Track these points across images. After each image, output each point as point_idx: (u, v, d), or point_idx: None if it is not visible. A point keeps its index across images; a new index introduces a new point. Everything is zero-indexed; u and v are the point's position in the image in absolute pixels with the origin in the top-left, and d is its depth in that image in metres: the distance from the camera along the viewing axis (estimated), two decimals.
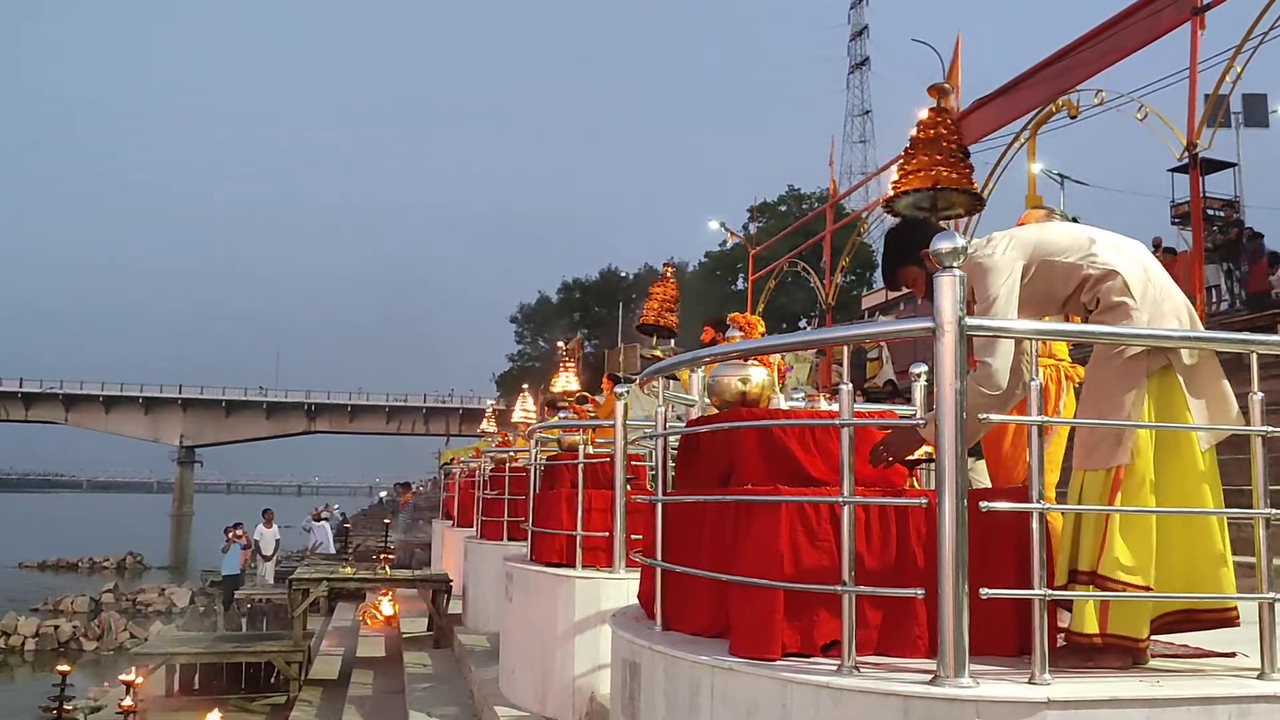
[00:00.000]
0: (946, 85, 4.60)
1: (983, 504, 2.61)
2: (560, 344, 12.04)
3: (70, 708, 6.48)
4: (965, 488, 2.51)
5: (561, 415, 10.11)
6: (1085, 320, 3.05)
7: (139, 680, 6.93)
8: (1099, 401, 2.94)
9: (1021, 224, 4.00)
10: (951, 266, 2.55)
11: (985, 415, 2.72)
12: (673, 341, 11.23)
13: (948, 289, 2.55)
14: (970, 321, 2.59)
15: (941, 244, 2.55)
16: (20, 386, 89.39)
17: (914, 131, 5.53)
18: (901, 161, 5.13)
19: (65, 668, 6.54)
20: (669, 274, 7.19)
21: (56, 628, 21.13)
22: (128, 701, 6.34)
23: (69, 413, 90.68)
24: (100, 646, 20.40)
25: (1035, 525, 2.59)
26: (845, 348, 3.02)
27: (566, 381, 10.71)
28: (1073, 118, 12.44)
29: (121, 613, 23.47)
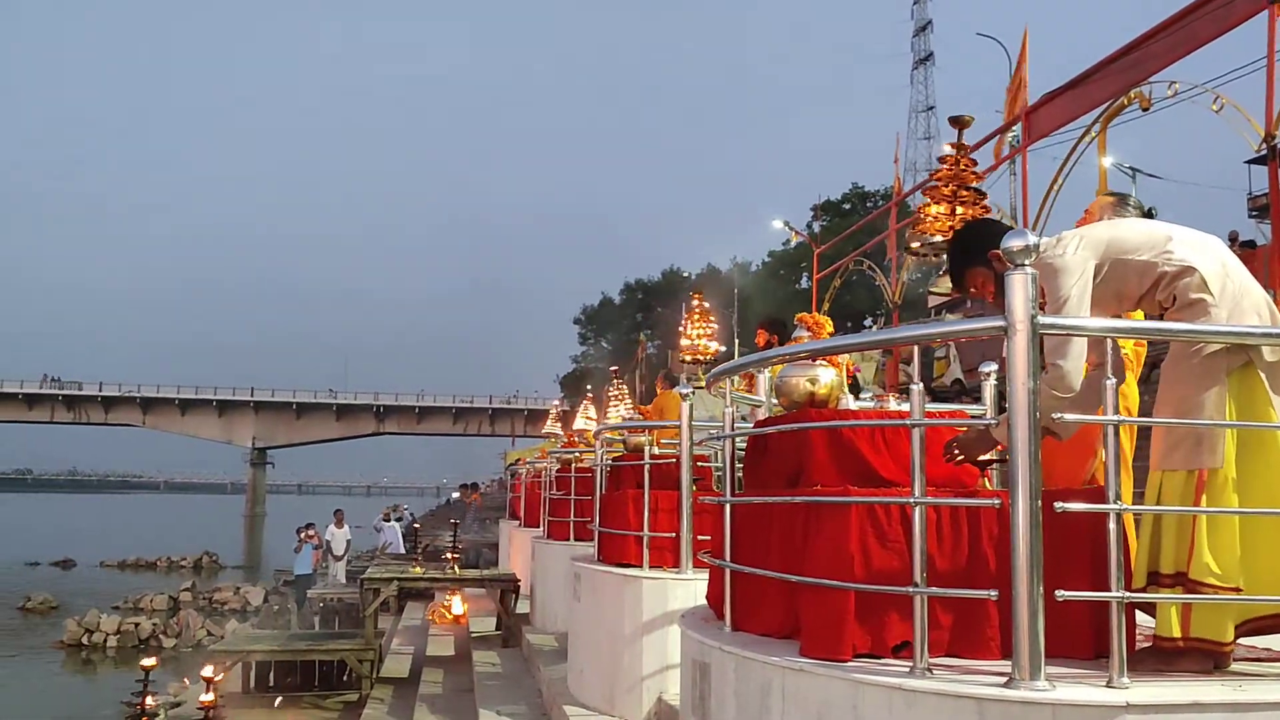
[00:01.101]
0: (966, 117, 4.61)
1: (1057, 504, 2.57)
2: (614, 371, 12.06)
3: (153, 702, 6.64)
4: (1039, 488, 2.48)
5: (625, 416, 10.16)
6: (1161, 319, 2.99)
7: (219, 677, 7.09)
8: (1178, 401, 2.88)
9: (1088, 213, 3.93)
10: (1023, 264, 2.52)
11: (1060, 415, 2.68)
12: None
13: (1019, 287, 2.52)
14: (1043, 320, 2.55)
15: (1012, 242, 2.52)
16: (100, 390, 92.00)
17: (938, 168, 5.60)
18: (922, 205, 5.24)
19: (149, 662, 6.71)
20: (698, 302, 7.24)
21: (137, 625, 21.67)
22: (207, 697, 6.49)
23: (146, 416, 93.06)
24: (179, 643, 20.88)
25: (1112, 526, 2.55)
26: (915, 347, 2.99)
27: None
28: (1145, 110, 12.17)
29: (199, 611, 24.01)
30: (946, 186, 4.85)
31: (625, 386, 10.54)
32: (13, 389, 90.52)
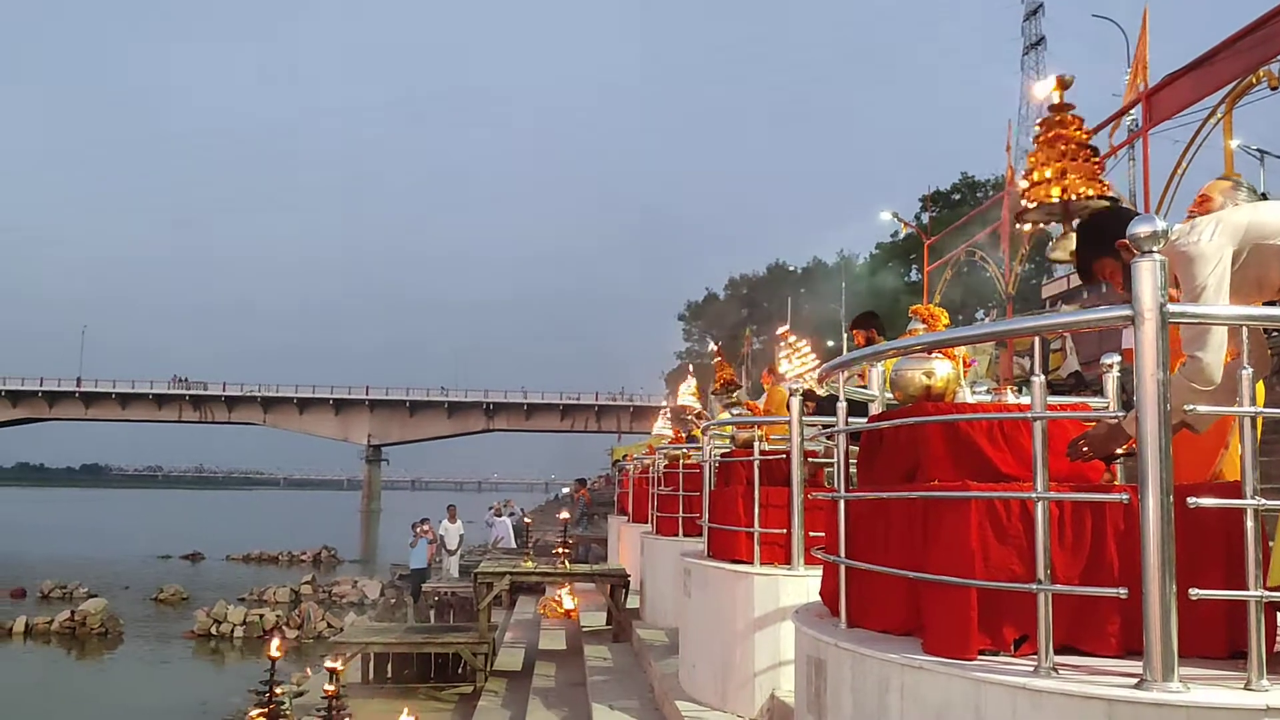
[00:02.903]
0: (1067, 77, 4.22)
1: (1190, 500, 2.48)
2: (714, 345, 12.07)
3: (279, 691, 6.88)
4: (1171, 483, 2.39)
5: (734, 412, 10.12)
6: None
7: (341, 668, 7.30)
8: None
9: (1204, 196, 3.76)
10: (1151, 251, 2.43)
11: (1192, 407, 2.58)
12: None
13: (1147, 274, 2.43)
14: (1173, 308, 2.46)
15: (1139, 228, 2.43)
16: (224, 390, 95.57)
17: (1036, 132, 5.16)
18: (1026, 169, 4.79)
19: (276, 653, 6.95)
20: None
21: (261, 616, 22.48)
22: (332, 687, 6.68)
23: (267, 414, 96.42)
24: (301, 635, 21.57)
25: (1250, 524, 2.44)
26: (1036, 339, 2.90)
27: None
28: (1274, 89, 11.61)
29: (319, 604, 24.76)
30: (1052, 146, 4.49)
31: (729, 367, 10.45)
32: (144, 389, 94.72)
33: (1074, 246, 3.52)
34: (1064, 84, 3.68)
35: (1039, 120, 4.76)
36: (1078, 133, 3.83)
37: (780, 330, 7.03)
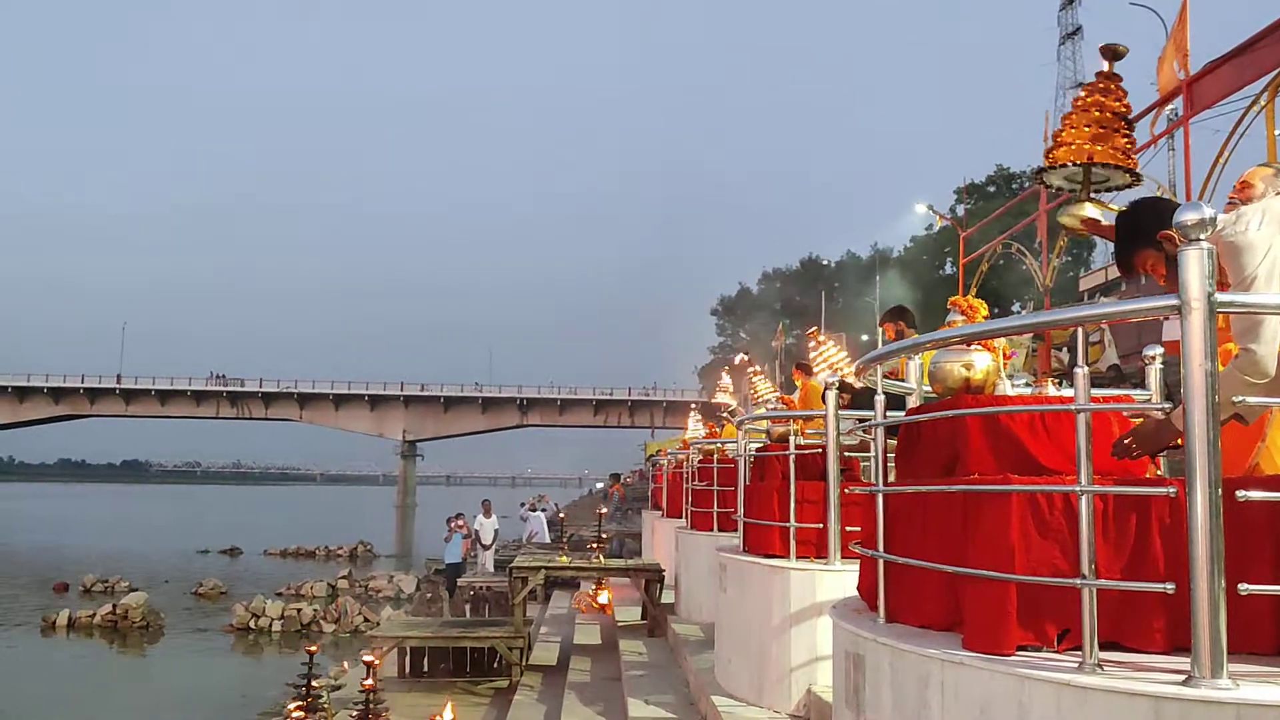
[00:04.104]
0: (1120, 47, 3.94)
1: (1239, 493, 2.42)
2: (744, 356, 11.95)
3: (317, 684, 6.95)
4: (1219, 476, 2.34)
5: (769, 406, 10.08)
6: None
7: (378, 661, 7.35)
8: None
9: (1245, 183, 3.69)
10: (1199, 239, 2.38)
11: (1241, 399, 2.52)
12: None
13: (1194, 263, 2.38)
14: (1221, 298, 2.40)
15: (1186, 215, 2.38)
16: (260, 387, 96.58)
17: (1078, 94, 4.91)
18: (1058, 130, 4.53)
19: (313, 648, 7.03)
20: (813, 335, 7.00)
21: (299, 610, 22.71)
22: (369, 681, 6.74)
23: (303, 410, 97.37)
24: (338, 629, 21.76)
25: None
26: (1080, 330, 2.85)
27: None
28: None
29: (355, 598, 24.97)
30: (1087, 111, 4.25)
31: (763, 369, 10.41)
32: (182, 386, 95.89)
33: (1086, 213, 3.46)
34: (1115, 54, 3.55)
35: (1083, 84, 4.53)
36: (1118, 104, 3.69)
37: (810, 330, 6.95)
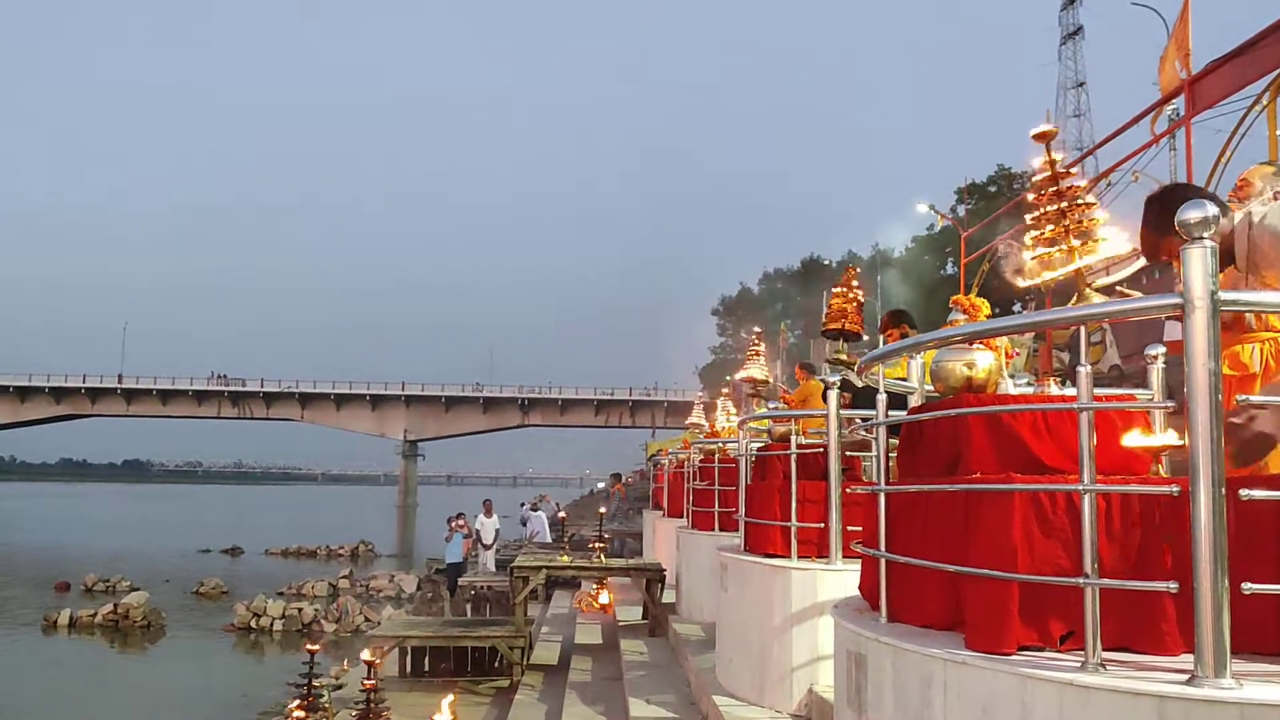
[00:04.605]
0: (1052, 129, 3.51)
1: (1243, 492, 2.42)
2: (756, 331, 11.84)
3: (318, 684, 6.94)
4: (1223, 475, 2.33)
5: (770, 406, 10.06)
6: None
7: (379, 661, 7.34)
8: None
9: (1245, 181, 3.68)
10: (1202, 237, 2.37)
11: (1244, 398, 2.51)
12: (862, 341, 10.55)
13: (1198, 261, 2.37)
14: (1225, 295, 2.40)
15: (1189, 213, 2.37)
16: (262, 387, 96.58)
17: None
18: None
19: (314, 647, 7.02)
20: (853, 276, 6.80)
21: (300, 610, 22.71)
22: (370, 680, 6.73)
23: (304, 410, 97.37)
24: (339, 628, 21.75)
25: None
26: (1082, 329, 2.84)
27: (756, 370, 10.38)
28: None
29: (356, 597, 24.97)
30: (1051, 213, 3.80)
31: (765, 349, 10.31)
32: (184, 386, 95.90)
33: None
34: (1048, 138, 3.42)
35: (1030, 185, 4.05)
36: (1077, 190, 3.48)
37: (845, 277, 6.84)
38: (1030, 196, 3.62)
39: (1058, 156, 3.45)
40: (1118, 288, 3.60)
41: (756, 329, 12.76)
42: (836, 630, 3.71)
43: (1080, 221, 3.43)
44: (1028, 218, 3.62)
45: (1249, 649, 2.59)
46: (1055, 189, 3.44)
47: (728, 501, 9.28)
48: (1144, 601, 2.76)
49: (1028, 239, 3.59)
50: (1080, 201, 3.44)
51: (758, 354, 10.38)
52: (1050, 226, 3.47)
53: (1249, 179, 3.72)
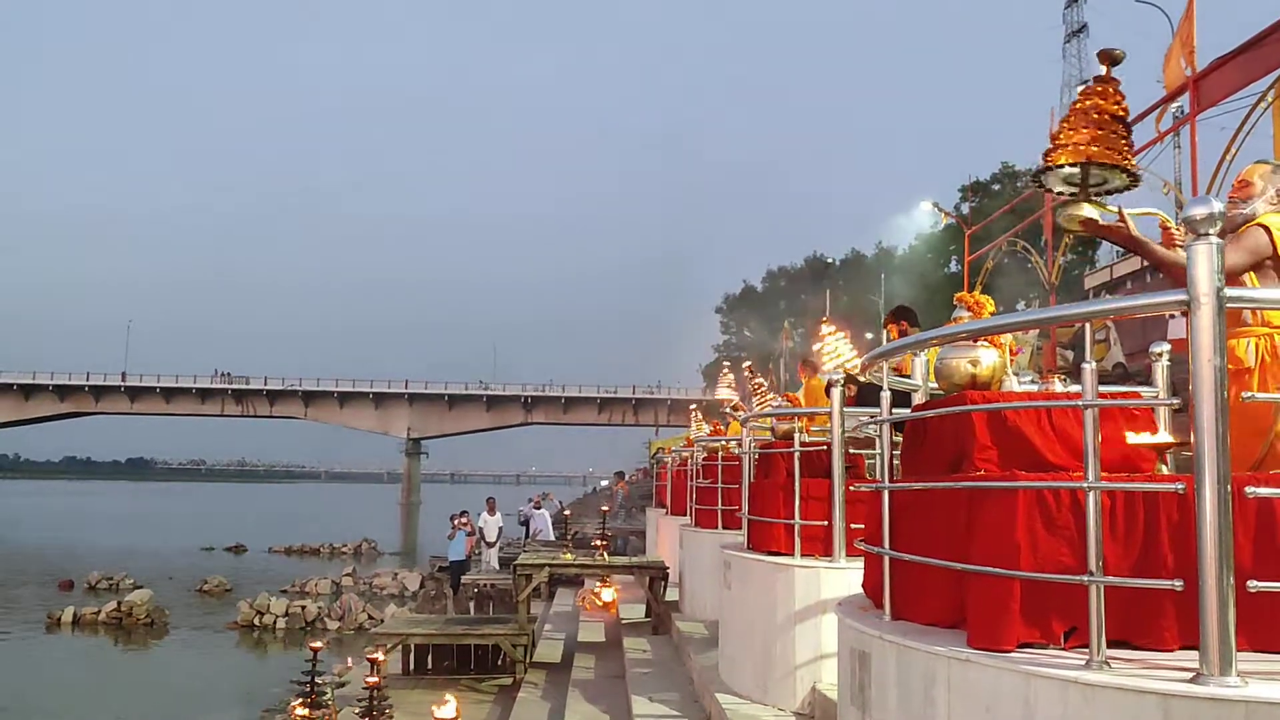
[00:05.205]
0: (1117, 51, 3.81)
1: (1248, 489, 2.41)
2: (747, 368, 11.66)
3: (321, 682, 6.94)
4: (1228, 473, 2.32)
5: (776, 402, 10.05)
6: None
7: (382, 659, 7.35)
8: None
9: (1244, 181, 3.66)
10: (1207, 234, 2.36)
11: (1250, 395, 2.50)
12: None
13: (1203, 257, 2.36)
14: (1230, 292, 2.39)
15: (1195, 210, 2.36)
16: (265, 384, 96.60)
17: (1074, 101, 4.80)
18: (1056, 132, 4.43)
19: (317, 645, 7.03)
20: (826, 323, 6.88)
21: (304, 608, 22.71)
22: (373, 678, 6.73)
23: (308, 408, 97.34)
24: (342, 626, 21.76)
25: None
26: (1086, 326, 2.83)
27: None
28: None
29: (359, 595, 24.97)
30: (1077, 119, 4.13)
31: (764, 381, 10.28)
32: (187, 384, 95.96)
33: (1085, 214, 3.43)
34: (1112, 59, 3.49)
35: (1080, 86, 4.42)
36: (1115, 107, 3.63)
37: (822, 320, 6.84)
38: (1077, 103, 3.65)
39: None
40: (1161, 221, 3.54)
41: (727, 362, 12.78)
42: (840, 628, 3.70)
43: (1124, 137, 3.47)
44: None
45: (1254, 647, 2.58)
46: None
47: (731, 499, 9.28)
48: (1144, 597, 2.75)
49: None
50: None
51: (729, 384, 10.40)
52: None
53: (1248, 178, 3.70)
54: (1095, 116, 3.97)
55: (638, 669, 8.33)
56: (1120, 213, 3.37)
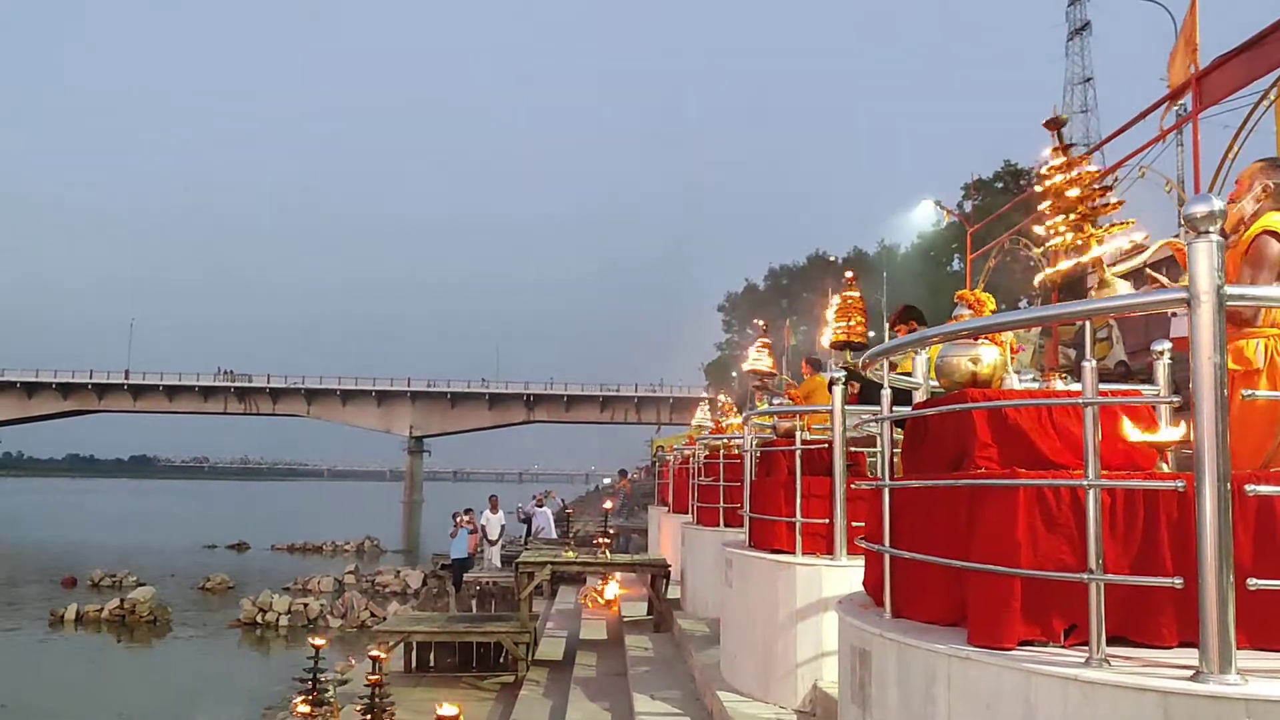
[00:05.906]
0: (1062, 116, 3.44)
1: (1248, 488, 2.41)
2: (762, 323, 11.76)
3: (323, 679, 6.95)
4: (1228, 471, 2.32)
5: (774, 402, 10.04)
6: None
7: (384, 656, 7.35)
8: None
9: (1243, 179, 3.66)
10: (1208, 231, 2.36)
11: (1250, 393, 2.50)
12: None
13: (1203, 255, 2.36)
14: (1231, 290, 2.38)
15: (1195, 208, 2.36)
16: (268, 383, 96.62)
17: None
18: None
19: (319, 642, 7.04)
20: (852, 285, 6.64)
21: (306, 605, 22.71)
22: (375, 675, 6.74)
23: (310, 406, 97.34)
24: (344, 624, 21.77)
25: None
26: (1088, 324, 2.83)
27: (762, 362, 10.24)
28: None
29: (362, 593, 24.97)
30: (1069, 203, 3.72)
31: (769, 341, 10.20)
32: (190, 382, 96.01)
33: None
34: (1058, 125, 3.41)
35: (1039, 171, 3.93)
36: (1096, 191, 3.43)
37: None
38: (1038, 188, 3.60)
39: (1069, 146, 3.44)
40: (1147, 271, 3.54)
41: (760, 321, 12.69)
42: (841, 626, 3.71)
43: (1095, 208, 3.42)
44: (1041, 207, 3.60)
45: (1253, 645, 2.58)
46: (1069, 177, 3.43)
47: (732, 497, 9.27)
48: (1144, 594, 2.75)
49: (1042, 228, 3.57)
50: (1096, 186, 3.43)
51: (766, 346, 10.30)
52: (1062, 217, 3.45)
53: (1242, 179, 3.70)
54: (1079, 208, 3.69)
55: (639, 667, 8.33)
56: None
